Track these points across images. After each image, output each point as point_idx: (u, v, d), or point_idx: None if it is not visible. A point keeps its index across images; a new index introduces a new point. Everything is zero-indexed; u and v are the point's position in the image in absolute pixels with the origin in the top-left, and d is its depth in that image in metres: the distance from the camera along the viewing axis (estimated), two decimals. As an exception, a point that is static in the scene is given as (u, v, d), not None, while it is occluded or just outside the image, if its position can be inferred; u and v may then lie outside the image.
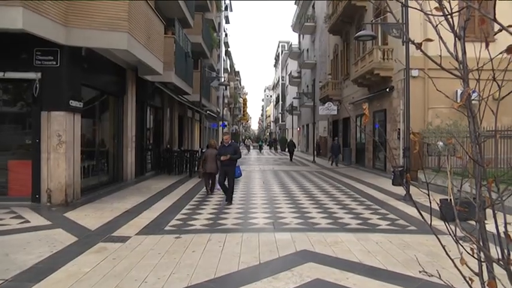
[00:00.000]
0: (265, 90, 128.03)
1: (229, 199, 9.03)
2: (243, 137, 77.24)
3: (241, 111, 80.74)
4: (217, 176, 11.53)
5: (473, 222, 1.51)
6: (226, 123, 45.69)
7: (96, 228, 6.50)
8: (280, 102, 69.21)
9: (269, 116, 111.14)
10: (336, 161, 21.21)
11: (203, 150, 14.14)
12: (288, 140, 35.04)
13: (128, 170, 13.00)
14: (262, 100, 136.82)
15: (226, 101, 48.44)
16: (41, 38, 7.85)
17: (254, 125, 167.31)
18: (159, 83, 14.89)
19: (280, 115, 69.07)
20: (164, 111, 18.03)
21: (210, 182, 10.97)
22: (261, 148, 45.37)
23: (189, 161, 16.42)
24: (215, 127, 41.08)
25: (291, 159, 28.01)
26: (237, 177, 15.00)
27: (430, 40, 1.55)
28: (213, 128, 39.93)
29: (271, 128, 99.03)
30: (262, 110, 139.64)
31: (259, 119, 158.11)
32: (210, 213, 7.96)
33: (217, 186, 11.72)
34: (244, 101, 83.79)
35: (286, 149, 34.11)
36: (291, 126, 45.10)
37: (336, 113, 24.82)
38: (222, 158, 8.92)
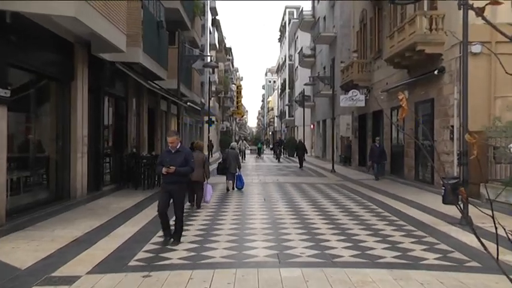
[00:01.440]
0: (266, 74, 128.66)
1: (176, 237, 7.89)
2: (237, 138, 77.39)
3: (235, 103, 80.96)
4: (206, 185, 11.63)
5: None
6: (214, 118, 45.77)
7: (29, 266, 6.38)
8: (287, 90, 69.38)
9: (272, 109, 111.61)
10: (375, 171, 20.18)
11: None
12: (297, 141, 35.10)
13: (78, 184, 12.94)
14: (263, 88, 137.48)
15: (213, 88, 48.55)
16: None
17: (252, 122, 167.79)
18: (122, 64, 14.87)
19: (287, 108, 69.27)
20: (129, 102, 18.00)
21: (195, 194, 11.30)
22: (260, 152, 45.53)
23: (162, 171, 16.39)
24: (199, 124, 41.16)
25: (300, 166, 28.13)
26: (239, 188, 15.39)
27: (498, 3, 1.50)
28: (196, 126, 40.02)
29: (275, 125, 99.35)
30: (263, 101, 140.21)
31: (259, 113, 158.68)
32: (192, 242, 7.93)
33: (206, 198, 11.78)
34: (238, 88, 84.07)
35: (295, 154, 34.13)
36: (301, 123, 45.08)
37: (363, 104, 24.86)
38: (164, 170, 7.85)
